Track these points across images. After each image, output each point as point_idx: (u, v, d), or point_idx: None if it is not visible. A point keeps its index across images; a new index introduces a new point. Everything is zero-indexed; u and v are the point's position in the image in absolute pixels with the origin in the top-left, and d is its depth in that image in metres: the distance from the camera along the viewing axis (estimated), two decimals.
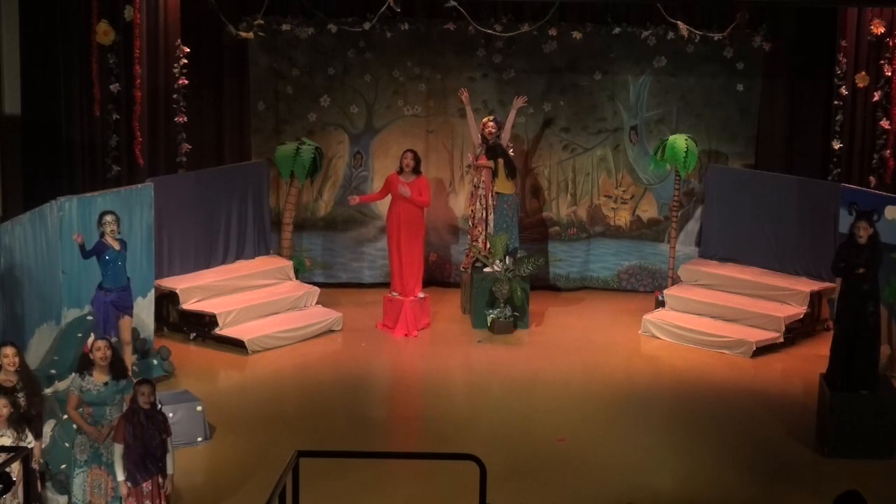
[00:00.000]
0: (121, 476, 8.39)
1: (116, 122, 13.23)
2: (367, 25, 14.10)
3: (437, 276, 15.06)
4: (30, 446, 8.15)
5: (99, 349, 8.62)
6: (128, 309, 11.32)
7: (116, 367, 8.72)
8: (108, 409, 8.66)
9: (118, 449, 8.37)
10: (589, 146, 15.17)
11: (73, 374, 8.80)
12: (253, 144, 14.86)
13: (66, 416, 9.09)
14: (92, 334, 9.06)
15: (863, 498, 6.70)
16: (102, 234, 11.08)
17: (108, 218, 11.10)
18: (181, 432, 10.30)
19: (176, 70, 13.69)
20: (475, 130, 14.02)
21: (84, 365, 8.73)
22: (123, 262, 11.18)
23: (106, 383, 8.64)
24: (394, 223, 13.61)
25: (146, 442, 8.37)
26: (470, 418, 11.50)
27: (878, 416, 10.54)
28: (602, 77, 14.96)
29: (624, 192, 15.24)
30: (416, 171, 13.56)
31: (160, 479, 8.48)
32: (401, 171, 13.57)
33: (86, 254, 11.00)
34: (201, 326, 13.14)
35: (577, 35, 14.59)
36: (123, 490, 8.43)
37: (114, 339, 11.12)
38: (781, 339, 13.19)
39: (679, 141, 14.01)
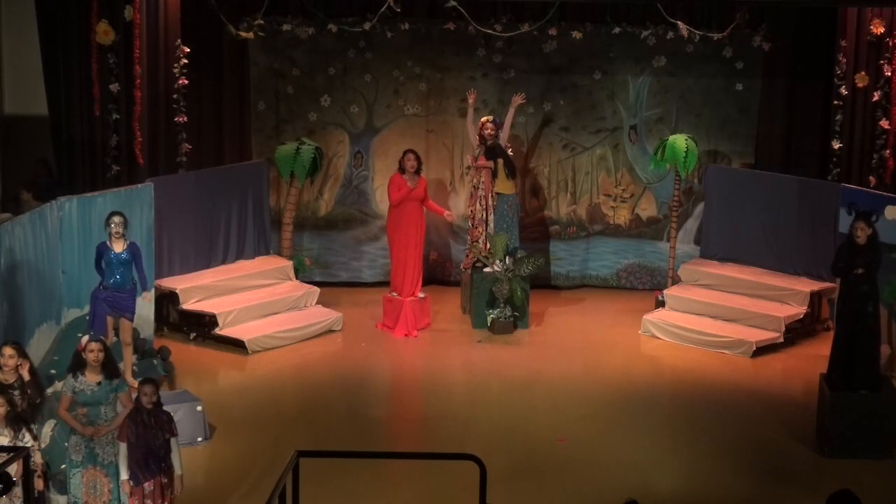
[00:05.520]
0: (124, 475, 8.39)
1: (116, 122, 13.22)
2: (367, 25, 14.10)
3: (437, 276, 15.08)
4: (27, 446, 8.14)
5: (92, 351, 8.60)
6: (127, 311, 11.31)
7: (108, 367, 8.71)
8: (103, 409, 8.65)
9: (122, 448, 8.38)
10: (588, 145, 15.19)
11: (67, 375, 8.80)
12: (253, 144, 14.88)
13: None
14: (86, 336, 9.06)
15: (856, 497, 6.71)
16: (109, 235, 11.10)
17: (116, 219, 11.10)
18: (181, 432, 10.25)
19: (176, 70, 13.69)
20: (473, 132, 14.02)
21: (76, 365, 8.73)
22: (126, 263, 11.16)
23: (99, 383, 8.64)
24: (404, 225, 13.56)
25: (149, 441, 8.36)
26: (470, 418, 11.50)
27: (878, 416, 10.53)
28: (602, 77, 14.98)
29: (623, 190, 15.26)
30: (418, 171, 13.59)
31: (163, 480, 8.48)
32: (402, 171, 13.57)
33: (98, 267, 11.08)
34: (201, 326, 13.14)
35: (577, 35, 14.60)
36: (126, 489, 8.43)
37: (113, 340, 11.17)
38: (781, 339, 13.20)
39: (679, 141, 14.01)
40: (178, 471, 8.51)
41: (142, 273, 11.37)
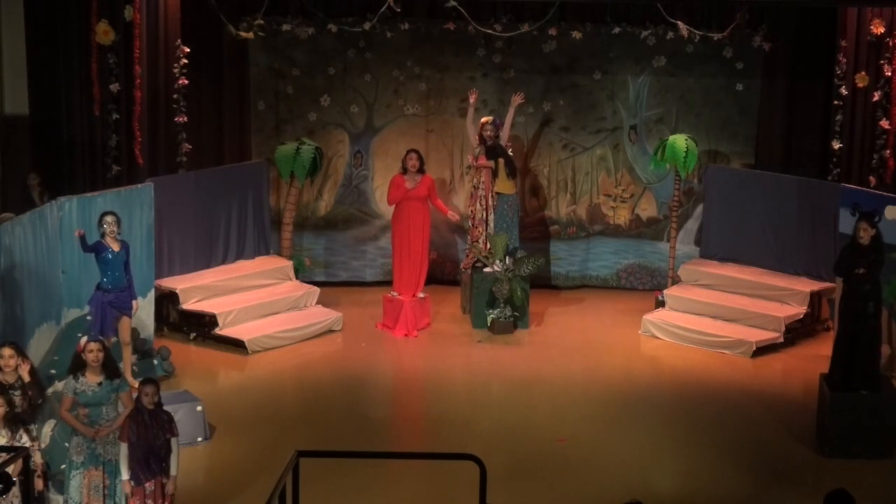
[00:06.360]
0: (125, 475, 8.40)
1: (116, 122, 13.24)
2: (367, 25, 14.10)
3: (437, 275, 15.07)
4: (26, 446, 8.14)
5: (91, 351, 8.61)
6: (127, 308, 11.34)
7: (108, 367, 8.72)
8: (104, 409, 8.66)
9: (123, 448, 8.39)
10: (588, 145, 15.19)
11: (68, 376, 8.81)
12: (253, 144, 14.88)
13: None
14: (85, 336, 9.05)
15: (851, 496, 6.75)
16: (103, 235, 11.10)
17: (109, 219, 11.12)
18: (181, 432, 10.26)
19: (176, 70, 13.69)
20: (473, 131, 14.01)
21: (77, 366, 8.73)
22: (123, 263, 11.20)
23: (100, 383, 8.64)
24: (404, 224, 13.57)
25: (150, 441, 8.37)
26: (470, 418, 11.50)
27: (878, 416, 10.54)
28: (602, 77, 14.98)
29: (623, 190, 15.26)
30: (421, 170, 13.58)
31: (163, 480, 8.48)
32: (405, 171, 13.57)
33: (86, 247, 11.02)
34: (201, 326, 13.14)
35: (576, 35, 14.60)
36: (126, 488, 8.44)
37: (113, 340, 11.18)
38: (781, 339, 13.20)
39: (679, 141, 14.01)
40: (172, 471, 8.52)
41: (131, 275, 11.39)
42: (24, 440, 8.32)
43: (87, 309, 11.34)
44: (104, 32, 13.02)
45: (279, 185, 14.72)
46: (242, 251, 14.18)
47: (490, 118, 14.09)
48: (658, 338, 13.51)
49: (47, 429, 9.37)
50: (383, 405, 12.28)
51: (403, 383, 12.84)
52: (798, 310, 13.41)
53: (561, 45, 14.79)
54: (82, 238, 10.97)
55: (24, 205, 12.21)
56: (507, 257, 13.60)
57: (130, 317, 11.44)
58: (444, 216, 14.19)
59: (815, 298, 13.61)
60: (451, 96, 14.97)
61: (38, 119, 13.39)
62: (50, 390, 10.23)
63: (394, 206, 13.72)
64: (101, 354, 8.63)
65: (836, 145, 14.08)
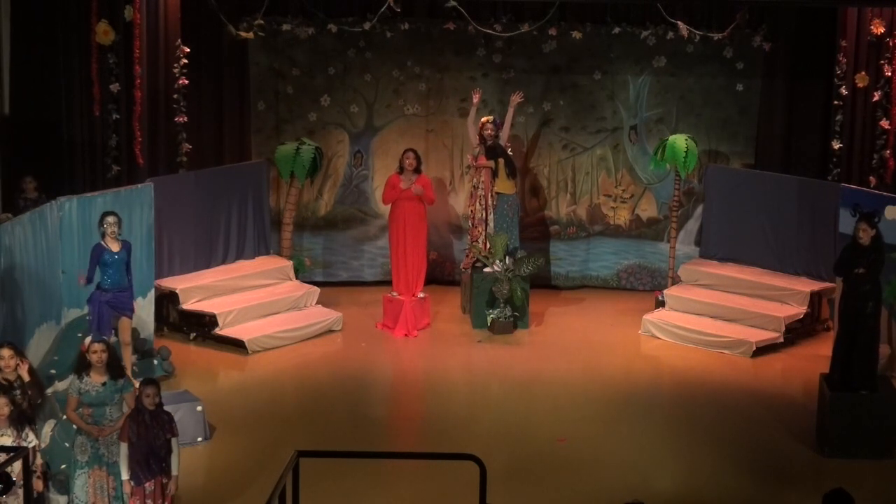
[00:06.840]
0: (125, 475, 8.42)
1: (116, 122, 13.23)
2: (367, 25, 14.10)
3: (437, 275, 15.07)
4: (31, 445, 8.16)
5: (95, 352, 8.63)
6: (127, 310, 11.33)
7: (113, 367, 8.73)
8: (108, 409, 8.67)
9: (123, 448, 8.40)
10: (588, 145, 15.19)
11: (72, 376, 8.82)
12: (253, 144, 14.88)
13: (65, 417, 9.10)
14: (88, 336, 9.06)
15: (850, 496, 6.75)
16: (103, 235, 11.10)
17: (110, 219, 11.11)
18: (181, 432, 10.26)
19: (176, 70, 13.69)
20: (474, 131, 14.01)
21: (81, 366, 8.75)
22: (123, 263, 11.19)
23: (104, 383, 8.65)
24: (399, 224, 13.59)
25: (150, 442, 8.38)
26: (470, 418, 11.50)
27: (878, 416, 10.54)
28: (602, 77, 14.98)
29: (623, 191, 15.26)
30: (418, 170, 13.58)
31: (164, 480, 8.49)
32: (401, 171, 13.58)
33: (88, 278, 11.05)
34: (201, 326, 13.15)
35: (576, 35, 14.60)
36: (127, 489, 8.46)
37: (113, 340, 11.17)
38: (781, 339, 13.20)
39: (679, 141, 14.01)
40: (174, 471, 8.53)
41: (131, 275, 11.39)
42: (31, 439, 8.33)
43: (87, 309, 11.34)
44: (104, 32, 13.02)
45: (279, 185, 14.72)
46: (242, 251, 14.18)
47: (490, 118, 14.09)
48: (658, 338, 13.51)
49: (47, 429, 9.38)
50: (383, 405, 12.28)
51: (403, 383, 12.84)
52: (798, 310, 13.41)
53: (561, 45, 14.79)
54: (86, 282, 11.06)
55: (17, 210, 12.13)
56: (507, 257, 13.60)
57: (131, 317, 11.43)
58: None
59: (815, 298, 13.61)
60: (451, 96, 14.97)
61: (36, 119, 13.35)
62: (50, 390, 10.24)
63: (390, 206, 13.74)
64: (104, 355, 8.65)
65: (836, 145, 14.08)
